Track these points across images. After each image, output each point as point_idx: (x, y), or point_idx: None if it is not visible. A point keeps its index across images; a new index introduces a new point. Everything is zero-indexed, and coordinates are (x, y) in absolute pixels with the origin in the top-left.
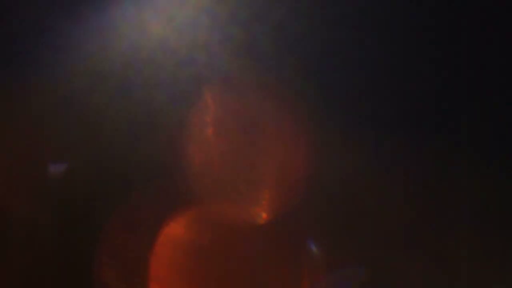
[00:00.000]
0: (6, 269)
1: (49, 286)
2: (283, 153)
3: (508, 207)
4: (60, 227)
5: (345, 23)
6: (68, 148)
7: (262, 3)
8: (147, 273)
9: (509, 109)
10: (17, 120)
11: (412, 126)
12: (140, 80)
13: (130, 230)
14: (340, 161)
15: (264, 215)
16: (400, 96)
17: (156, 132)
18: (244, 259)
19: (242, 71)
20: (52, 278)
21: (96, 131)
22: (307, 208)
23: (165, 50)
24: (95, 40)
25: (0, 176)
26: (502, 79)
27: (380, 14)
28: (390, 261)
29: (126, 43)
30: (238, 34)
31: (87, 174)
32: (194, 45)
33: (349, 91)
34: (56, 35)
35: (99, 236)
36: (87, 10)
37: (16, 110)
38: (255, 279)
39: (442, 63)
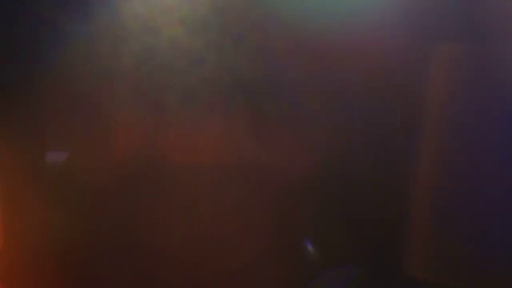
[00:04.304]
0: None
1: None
2: (291, 151)
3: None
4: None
5: (355, 22)
6: (78, 149)
7: (274, 3)
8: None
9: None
10: (25, 120)
11: (414, 125)
12: (151, 80)
13: (135, 229)
14: (339, 158)
15: (262, 212)
16: (404, 95)
17: (168, 132)
18: (240, 256)
19: (254, 72)
20: (59, 275)
21: (106, 131)
22: (303, 206)
23: (176, 50)
24: (105, 40)
25: (12, 176)
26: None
27: (387, 14)
28: (387, 260)
29: (136, 43)
30: (250, 35)
31: (96, 175)
32: (206, 45)
33: (362, 91)
34: (66, 35)
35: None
36: (97, 9)
37: (25, 109)
38: (251, 277)
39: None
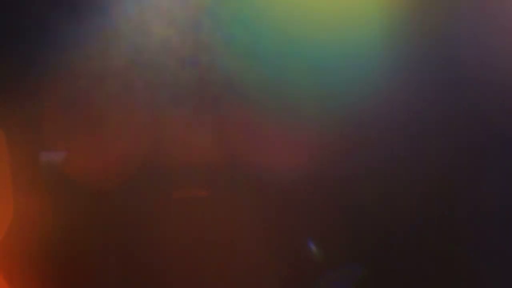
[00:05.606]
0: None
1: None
2: (286, 153)
3: (509, 207)
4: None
5: (349, 24)
6: (70, 149)
7: (265, 4)
8: (150, 271)
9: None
10: (18, 120)
11: (414, 124)
12: (142, 81)
13: (131, 229)
14: (340, 159)
15: (263, 213)
16: (404, 94)
17: (158, 133)
18: (242, 257)
19: (245, 73)
20: (55, 276)
21: (98, 132)
22: (306, 206)
23: (167, 51)
24: (96, 41)
25: (9, 178)
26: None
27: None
28: (389, 261)
29: (127, 44)
30: (241, 35)
31: (89, 175)
32: (196, 46)
33: (351, 91)
34: (57, 36)
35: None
36: (88, 10)
37: (17, 110)
38: (253, 277)
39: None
